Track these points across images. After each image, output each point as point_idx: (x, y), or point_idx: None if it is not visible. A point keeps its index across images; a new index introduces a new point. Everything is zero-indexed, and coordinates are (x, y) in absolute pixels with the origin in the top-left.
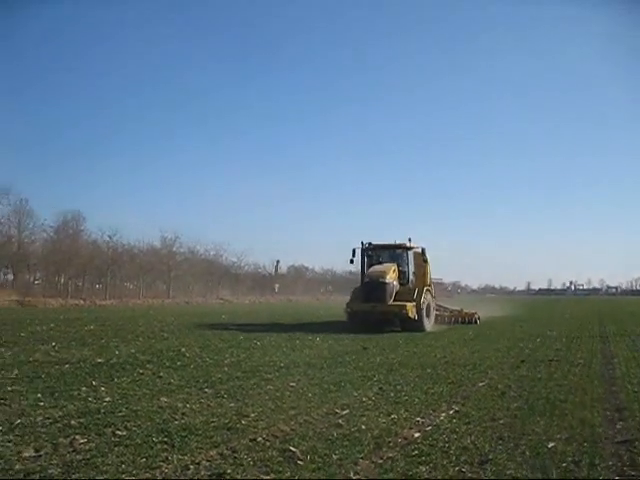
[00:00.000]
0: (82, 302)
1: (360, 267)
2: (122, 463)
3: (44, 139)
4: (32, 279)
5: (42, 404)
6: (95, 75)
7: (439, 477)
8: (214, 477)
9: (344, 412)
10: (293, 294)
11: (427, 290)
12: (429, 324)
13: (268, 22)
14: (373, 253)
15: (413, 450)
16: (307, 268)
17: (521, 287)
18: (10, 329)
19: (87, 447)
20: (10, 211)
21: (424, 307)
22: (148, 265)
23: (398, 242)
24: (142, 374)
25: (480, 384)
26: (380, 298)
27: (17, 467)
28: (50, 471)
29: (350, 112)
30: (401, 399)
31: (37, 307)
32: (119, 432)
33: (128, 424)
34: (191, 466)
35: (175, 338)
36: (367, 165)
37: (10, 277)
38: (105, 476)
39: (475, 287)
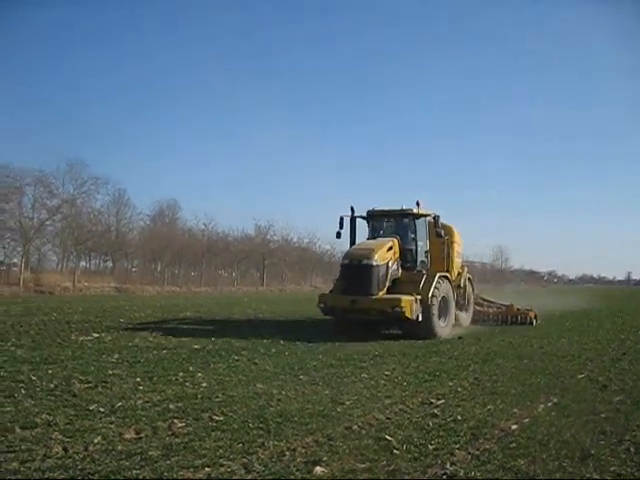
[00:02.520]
0: (178, 289)
1: (349, 244)
2: (219, 448)
3: (142, 133)
4: (130, 266)
5: (141, 388)
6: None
7: (538, 471)
8: (310, 463)
9: (439, 402)
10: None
11: (443, 278)
12: (446, 327)
13: None
14: (370, 223)
15: (510, 442)
16: None
17: (621, 277)
18: (110, 315)
19: (185, 431)
20: (109, 201)
21: (435, 302)
22: (242, 253)
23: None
24: (237, 360)
25: (579, 376)
26: (362, 289)
27: (119, 448)
28: (150, 453)
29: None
30: (497, 390)
31: (135, 294)
32: (216, 417)
33: (225, 409)
34: (287, 452)
35: (269, 325)
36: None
37: (109, 265)
38: (203, 460)
39: (572, 277)
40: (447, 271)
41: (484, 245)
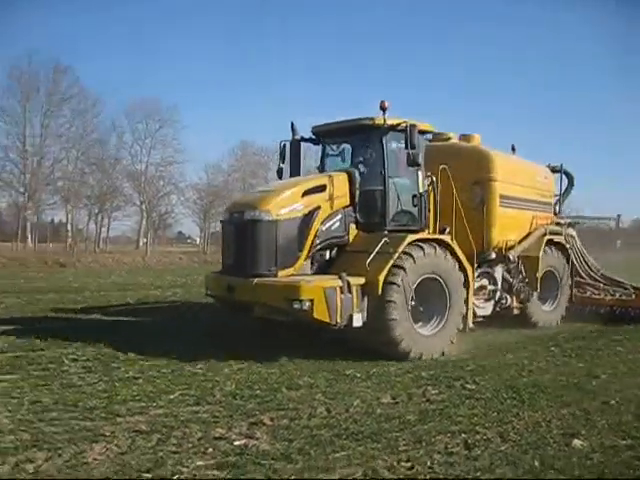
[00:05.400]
0: None
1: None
2: (474, 415)
3: None
4: None
5: None
6: None
7: None
8: (567, 436)
9: None
10: (638, 250)
11: (428, 243)
12: (434, 335)
13: None
14: (322, 149)
15: None
16: None
17: None
18: None
19: (439, 398)
20: None
21: (397, 292)
22: None
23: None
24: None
25: None
26: (241, 266)
27: (378, 411)
28: (408, 417)
29: None
30: None
31: None
32: (468, 386)
33: (476, 378)
34: (542, 423)
35: None
36: None
37: None
38: (459, 427)
39: None
40: (447, 231)
41: None
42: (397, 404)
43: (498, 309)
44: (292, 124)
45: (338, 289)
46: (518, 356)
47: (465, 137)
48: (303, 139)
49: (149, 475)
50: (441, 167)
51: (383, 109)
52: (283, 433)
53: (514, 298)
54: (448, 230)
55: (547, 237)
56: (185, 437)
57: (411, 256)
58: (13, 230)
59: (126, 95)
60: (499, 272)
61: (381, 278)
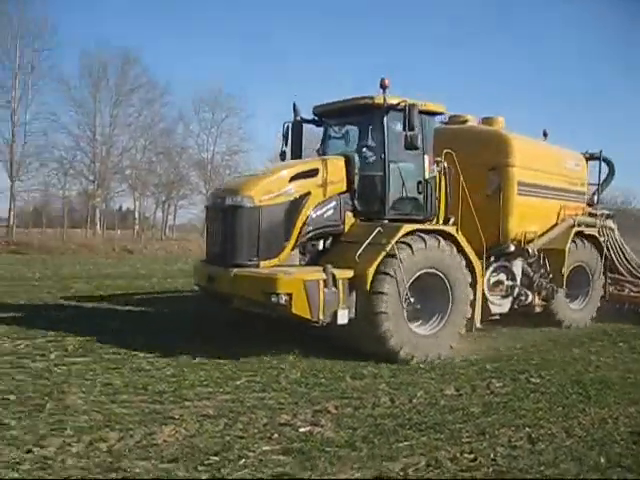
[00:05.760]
0: None
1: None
2: (539, 410)
3: None
4: None
5: (458, 346)
6: None
7: None
8: (635, 434)
9: None
10: None
11: (429, 235)
12: (432, 334)
13: None
14: (324, 131)
15: None
16: None
17: None
18: None
19: (503, 391)
20: None
21: (387, 287)
22: None
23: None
24: None
25: None
26: (221, 255)
27: (442, 403)
28: (471, 409)
29: None
30: None
31: None
32: (533, 379)
33: (542, 372)
34: (609, 420)
35: None
36: None
37: None
38: (523, 420)
39: None
40: (452, 221)
41: None
42: (461, 396)
43: (516, 306)
44: (294, 105)
45: (321, 282)
46: (584, 351)
47: (487, 120)
48: (304, 120)
49: (217, 458)
50: (445, 151)
51: (383, 87)
52: (347, 421)
53: (535, 295)
54: (453, 220)
55: (576, 229)
56: (251, 422)
57: (409, 247)
58: (82, 217)
59: (194, 84)
60: (518, 266)
61: (370, 272)
